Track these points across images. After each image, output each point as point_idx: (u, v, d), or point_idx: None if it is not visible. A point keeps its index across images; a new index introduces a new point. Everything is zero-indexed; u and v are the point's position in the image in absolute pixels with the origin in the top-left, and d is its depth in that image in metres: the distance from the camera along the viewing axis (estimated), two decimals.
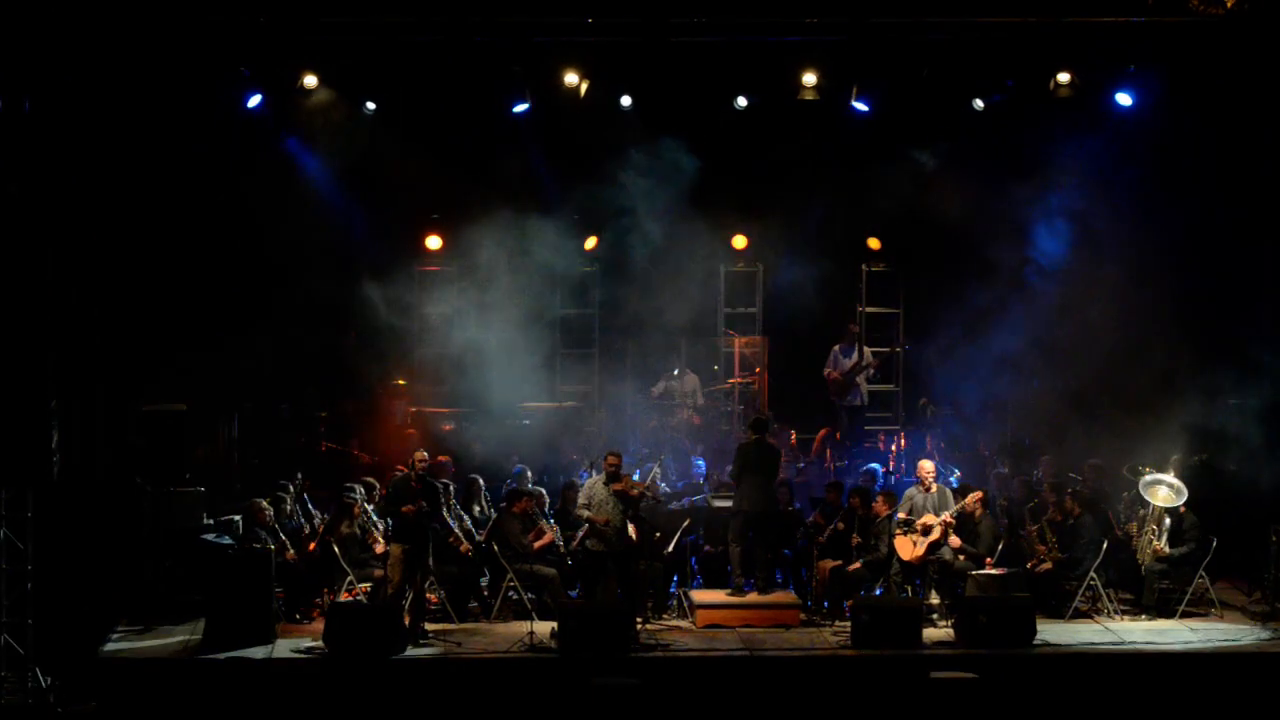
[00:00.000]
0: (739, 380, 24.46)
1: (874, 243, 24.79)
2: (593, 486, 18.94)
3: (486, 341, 24.09)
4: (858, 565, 19.16)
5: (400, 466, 19.67)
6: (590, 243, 24.65)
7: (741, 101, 21.89)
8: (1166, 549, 19.13)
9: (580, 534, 19.24)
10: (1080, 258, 23.11)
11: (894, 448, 23.59)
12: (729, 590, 19.10)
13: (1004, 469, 21.80)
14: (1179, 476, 19.40)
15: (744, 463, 19.38)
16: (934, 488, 19.39)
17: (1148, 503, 19.32)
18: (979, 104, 21.87)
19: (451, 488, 19.55)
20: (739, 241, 24.81)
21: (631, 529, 18.79)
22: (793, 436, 23.59)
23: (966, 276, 23.66)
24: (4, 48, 17.19)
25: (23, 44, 17.41)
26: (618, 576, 18.66)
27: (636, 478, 19.53)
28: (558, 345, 25.10)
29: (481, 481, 20.47)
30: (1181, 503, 19.17)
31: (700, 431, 23.73)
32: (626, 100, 21.71)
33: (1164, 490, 19.24)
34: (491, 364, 23.95)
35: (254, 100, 20.93)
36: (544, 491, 20.13)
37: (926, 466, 19.64)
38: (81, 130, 18.49)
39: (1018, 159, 22.95)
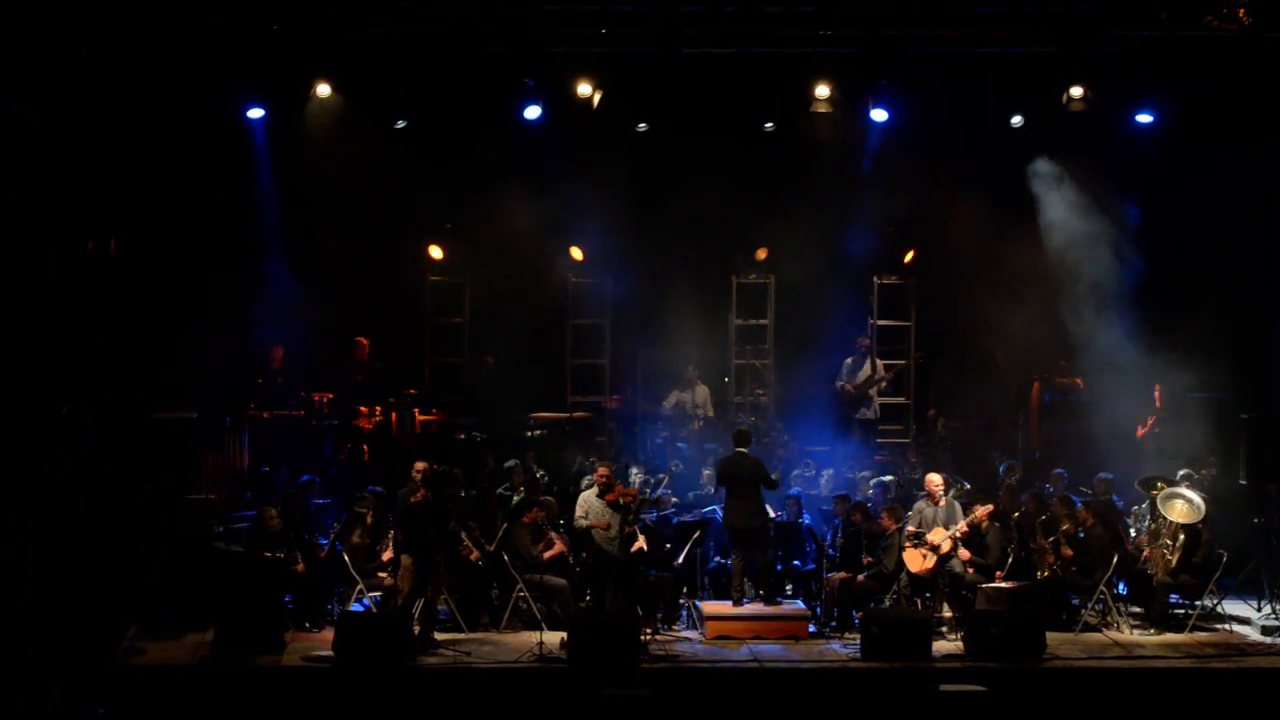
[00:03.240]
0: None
1: (909, 255, 24.81)
2: (588, 499, 18.93)
3: (497, 351, 24.16)
4: (863, 578, 19.17)
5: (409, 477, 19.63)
6: (576, 253, 24.70)
7: (769, 125, 22.00)
8: (1176, 564, 19.11)
9: (584, 553, 19.24)
10: (1093, 271, 23.11)
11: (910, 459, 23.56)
12: (731, 602, 19.10)
13: (1014, 482, 21.75)
14: (1189, 490, 19.37)
15: (724, 478, 19.44)
16: (943, 501, 19.38)
17: (1158, 516, 19.29)
18: (1017, 120, 21.92)
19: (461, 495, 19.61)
20: (760, 254, 24.83)
21: (640, 540, 18.81)
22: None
23: (978, 289, 23.67)
24: (8, 50, 17.20)
25: (26, 46, 17.43)
26: (617, 587, 18.65)
27: (635, 483, 19.58)
28: (568, 355, 25.13)
29: (496, 491, 20.47)
30: (1199, 520, 19.08)
31: (710, 443, 23.69)
32: (642, 126, 21.80)
33: (1181, 504, 19.17)
34: (502, 373, 24.01)
35: (258, 112, 20.95)
36: (554, 501, 20.13)
37: (935, 480, 19.62)
38: (88, 133, 18.51)
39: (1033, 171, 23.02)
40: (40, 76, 17.54)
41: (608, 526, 18.64)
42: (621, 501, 18.71)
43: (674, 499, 20.76)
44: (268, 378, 22.72)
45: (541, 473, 21.86)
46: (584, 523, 18.72)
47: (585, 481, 20.34)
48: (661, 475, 20.73)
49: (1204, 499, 19.31)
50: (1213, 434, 21.58)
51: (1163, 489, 19.48)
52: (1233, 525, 20.07)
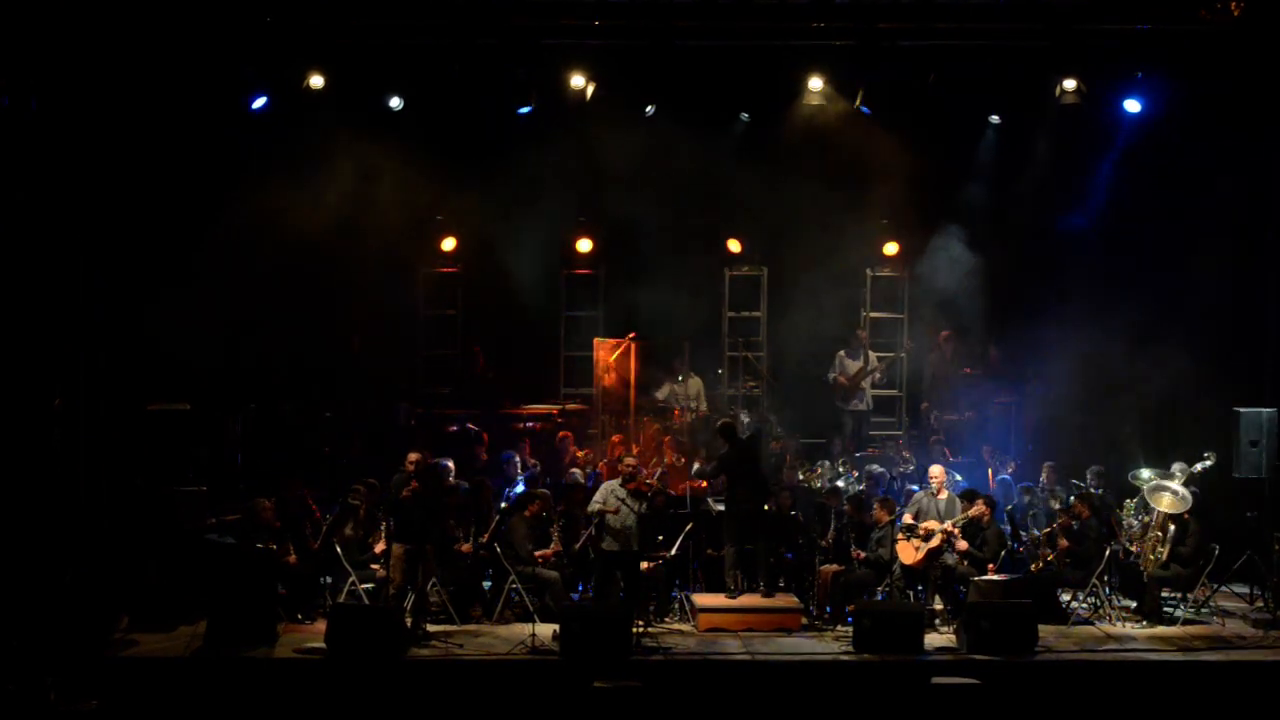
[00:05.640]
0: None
1: (890, 248, 24.78)
2: (609, 488, 18.93)
3: (490, 343, 24.16)
4: (859, 566, 19.21)
5: (402, 468, 19.60)
6: (585, 245, 24.66)
7: (745, 116, 22.04)
8: (1166, 556, 19.13)
9: (585, 535, 19.25)
10: (1087, 262, 23.12)
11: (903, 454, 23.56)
12: (726, 593, 19.11)
13: (1008, 475, 21.78)
14: (1183, 483, 19.40)
15: (731, 466, 19.44)
16: (943, 493, 19.39)
17: (1150, 509, 19.32)
18: (995, 119, 22.00)
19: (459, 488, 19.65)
20: (734, 245, 24.81)
21: (645, 566, 18.81)
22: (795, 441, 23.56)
23: (973, 282, 23.70)
24: (9, 47, 17.17)
25: (28, 43, 17.40)
26: (624, 579, 18.67)
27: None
28: (561, 347, 25.11)
29: (489, 483, 20.47)
30: (1186, 509, 19.14)
31: (703, 434, 23.69)
32: (650, 109, 21.82)
33: (1169, 496, 19.22)
34: (495, 366, 24.01)
35: (260, 101, 20.97)
36: (549, 494, 20.13)
37: (936, 472, 19.64)
38: (87, 128, 18.49)
39: (1026, 163, 23.00)
40: (36, 70, 17.51)
41: (616, 510, 18.61)
42: (643, 488, 18.71)
43: (669, 491, 20.76)
44: (261, 371, 22.78)
45: (534, 462, 21.93)
46: (598, 506, 18.73)
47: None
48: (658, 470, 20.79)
49: (1193, 491, 19.34)
50: (1208, 427, 21.59)
51: (1152, 479, 19.53)
52: (1226, 519, 20.09)
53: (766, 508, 19.69)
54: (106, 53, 18.70)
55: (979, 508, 19.22)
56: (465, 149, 22.78)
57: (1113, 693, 17.14)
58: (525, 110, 21.34)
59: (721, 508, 19.98)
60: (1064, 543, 19.26)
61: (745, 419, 22.94)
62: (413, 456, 18.39)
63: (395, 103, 21.52)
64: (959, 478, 21.24)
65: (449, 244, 24.57)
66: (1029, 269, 23.65)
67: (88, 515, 18.22)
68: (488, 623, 18.84)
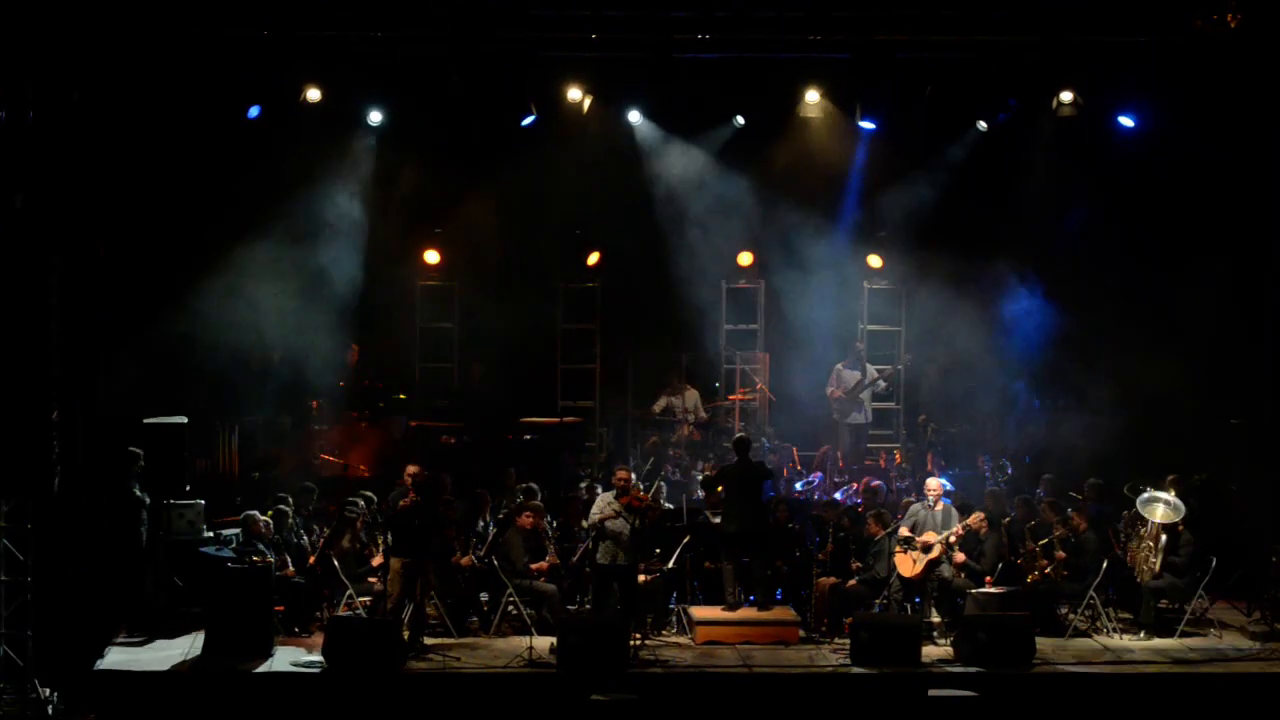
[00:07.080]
0: (739, 397, 24.46)
1: (874, 260, 24.79)
2: (604, 501, 18.91)
3: (487, 356, 24.15)
4: (854, 582, 19.21)
5: (399, 482, 19.59)
6: (593, 258, 24.66)
7: (740, 120, 22.05)
8: (1159, 566, 19.14)
9: (581, 549, 19.24)
10: (1081, 275, 23.14)
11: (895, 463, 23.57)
12: (724, 606, 19.10)
13: (1002, 486, 21.78)
14: (1179, 495, 19.40)
15: (727, 483, 19.43)
16: (939, 505, 19.38)
17: (1146, 521, 19.31)
18: (983, 125, 22.05)
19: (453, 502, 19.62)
20: (744, 258, 24.81)
21: (642, 577, 18.79)
22: (794, 454, 23.57)
23: (968, 294, 23.71)
24: (7, 58, 17.18)
25: (26, 54, 17.40)
26: (620, 591, 18.65)
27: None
28: (558, 360, 25.11)
29: (487, 495, 20.45)
30: (1179, 519, 19.15)
31: (700, 447, 23.71)
32: (635, 117, 21.85)
33: (1162, 508, 19.22)
34: (492, 379, 24.00)
35: (254, 111, 21.00)
36: (543, 506, 20.12)
37: (933, 484, 19.64)
38: (85, 140, 18.50)
39: (1020, 177, 23.01)
40: (32, 83, 17.52)
41: (615, 516, 18.58)
42: (635, 504, 18.68)
43: (667, 505, 20.73)
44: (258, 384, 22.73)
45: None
46: (595, 517, 18.72)
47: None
48: (654, 482, 20.77)
49: (1188, 501, 19.35)
50: (1204, 439, 21.62)
51: (1145, 490, 19.55)
52: (1223, 530, 20.09)
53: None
54: (105, 63, 18.72)
55: (977, 520, 19.22)
56: (462, 159, 22.79)
57: (1110, 705, 17.16)
58: (528, 122, 21.39)
59: (719, 520, 19.96)
60: (1061, 555, 19.25)
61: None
62: (411, 470, 18.41)
63: (375, 116, 21.62)
64: (949, 487, 21.24)
65: (443, 256, 24.51)
66: (1026, 280, 23.63)
67: (85, 527, 18.19)
68: (485, 635, 18.82)
